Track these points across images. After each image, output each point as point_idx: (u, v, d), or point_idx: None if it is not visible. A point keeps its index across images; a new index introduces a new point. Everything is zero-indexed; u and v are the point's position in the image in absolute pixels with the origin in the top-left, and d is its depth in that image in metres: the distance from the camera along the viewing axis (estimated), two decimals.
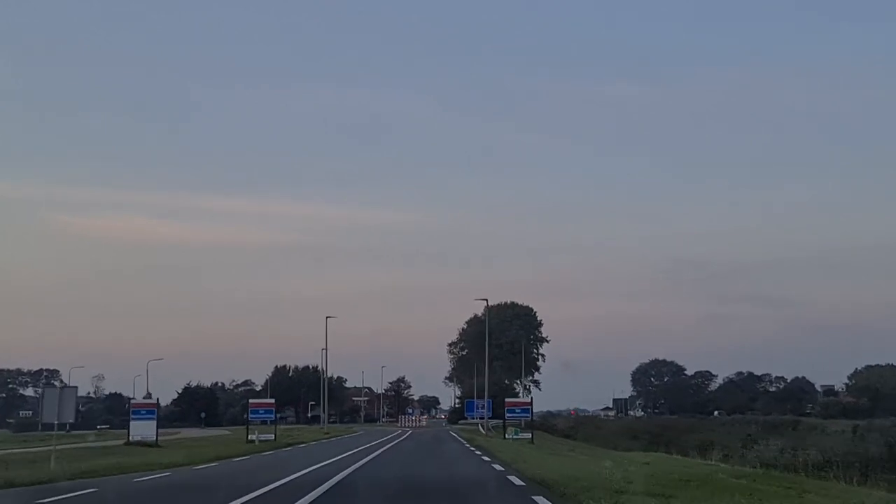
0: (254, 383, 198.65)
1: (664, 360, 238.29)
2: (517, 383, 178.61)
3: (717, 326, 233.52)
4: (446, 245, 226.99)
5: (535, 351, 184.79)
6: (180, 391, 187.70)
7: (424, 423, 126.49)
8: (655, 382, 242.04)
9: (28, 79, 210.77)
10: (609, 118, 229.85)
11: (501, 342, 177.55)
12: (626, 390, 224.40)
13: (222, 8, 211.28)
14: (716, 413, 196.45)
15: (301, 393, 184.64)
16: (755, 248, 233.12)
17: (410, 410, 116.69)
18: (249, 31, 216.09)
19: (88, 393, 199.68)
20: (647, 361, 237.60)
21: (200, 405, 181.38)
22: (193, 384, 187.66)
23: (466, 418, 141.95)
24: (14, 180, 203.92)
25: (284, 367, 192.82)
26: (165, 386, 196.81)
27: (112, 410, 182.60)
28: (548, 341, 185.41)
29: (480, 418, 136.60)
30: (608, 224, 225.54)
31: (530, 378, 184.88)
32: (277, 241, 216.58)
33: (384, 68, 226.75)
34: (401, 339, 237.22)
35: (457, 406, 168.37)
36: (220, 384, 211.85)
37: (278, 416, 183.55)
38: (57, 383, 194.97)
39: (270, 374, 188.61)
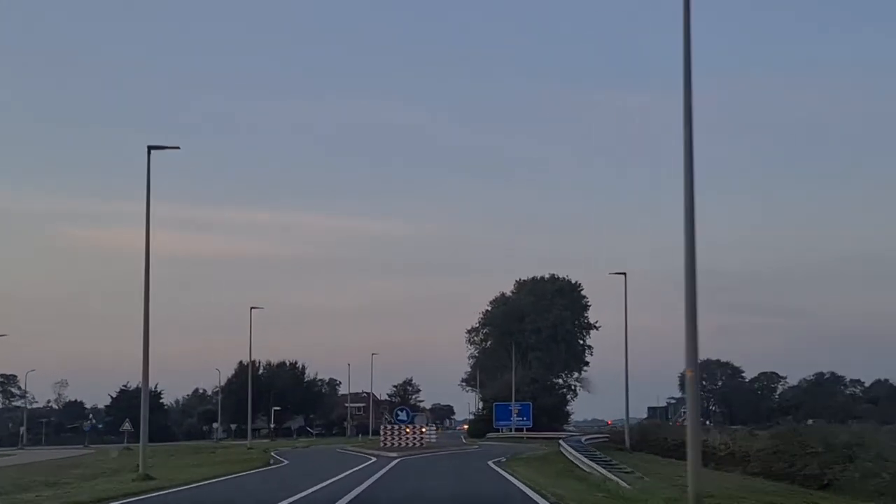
0: None
1: (718, 361, 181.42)
2: (560, 379, 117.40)
3: (735, 336, 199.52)
4: (451, 256, 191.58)
5: (580, 341, 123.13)
6: (114, 395, 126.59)
7: (434, 439, 64.62)
8: (708, 386, 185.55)
9: (35, 91, 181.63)
10: (618, 126, 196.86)
11: (539, 326, 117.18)
12: (661, 396, 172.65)
13: (233, 21, 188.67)
14: (809, 422, 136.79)
15: (272, 396, 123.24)
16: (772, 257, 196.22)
17: (403, 415, 53.75)
18: (257, 45, 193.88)
19: (49, 402, 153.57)
20: (699, 362, 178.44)
21: (140, 413, 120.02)
22: (132, 386, 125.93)
23: (499, 430, 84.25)
24: (20, 192, 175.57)
25: (253, 363, 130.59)
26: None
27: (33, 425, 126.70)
28: (597, 328, 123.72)
29: (519, 430, 79.28)
30: (616, 231, 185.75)
31: (575, 375, 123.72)
32: (284, 252, 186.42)
33: (391, 80, 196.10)
34: (408, 348, 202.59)
35: (481, 413, 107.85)
36: (201, 390, 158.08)
37: (243, 427, 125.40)
38: (15, 390, 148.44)
39: (233, 374, 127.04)
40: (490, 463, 35.88)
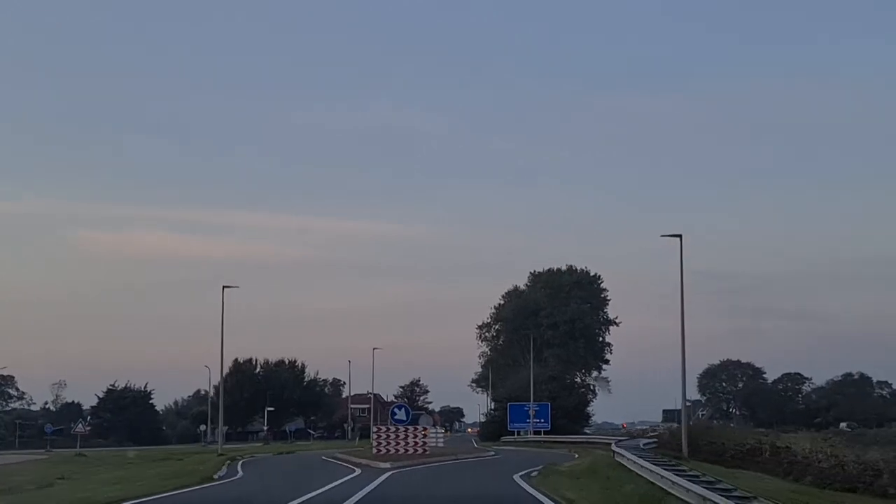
0: None
1: (738, 362, 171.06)
2: (579, 378, 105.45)
3: (751, 338, 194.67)
4: (460, 258, 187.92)
5: (600, 337, 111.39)
6: (101, 394, 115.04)
7: (441, 443, 52.78)
8: (728, 387, 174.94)
9: (46, 95, 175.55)
10: (626, 130, 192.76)
11: (556, 321, 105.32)
12: (677, 399, 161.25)
13: (242, 24, 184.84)
14: (842, 425, 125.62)
15: (269, 396, 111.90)
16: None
17: (402, 414, 42.01)
18: (267, 47, 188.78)
19: (46, 403, 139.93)
20: (717, 363, 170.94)
21: (129, 414, 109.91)
22: (121, 385, 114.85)
23: (516, 433, 78.96)
24: (20, 195, 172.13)
25: (250, 360, 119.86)
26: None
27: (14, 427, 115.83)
28: (617, 324, 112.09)
29: (537, 432, 68.27)
30: (629, 235, 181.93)
31: (595, 374, 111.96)
32: (294, 255, 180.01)
33: (401, 83, 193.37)
34: (416, 350, 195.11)
35: (494, 414, 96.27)
36: (203, 391, 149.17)
37: (240, 430, 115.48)
38: (12, 391, 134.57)
39: (227, 372, 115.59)
40: (518, 479, 24.43)
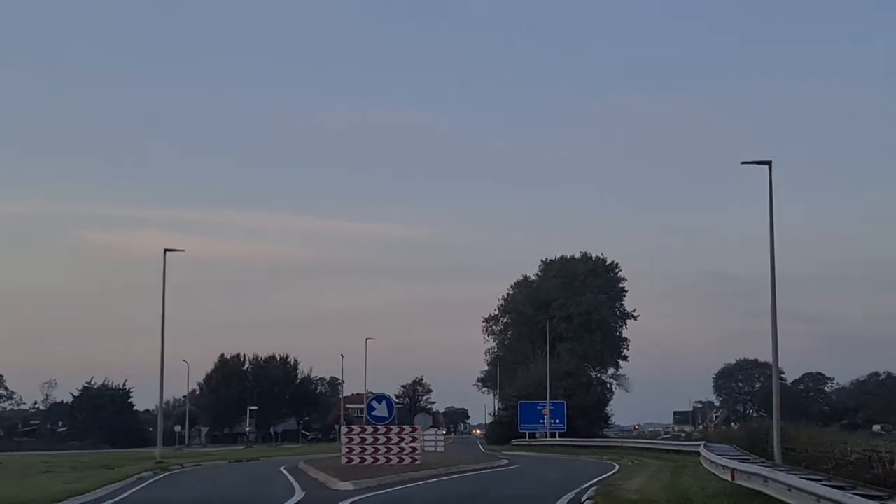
0: None
1: (755, 361, 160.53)
2: (594, 375, 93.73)
3: (759, 339, 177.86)
4: (464, 260, 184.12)
5: (617, 331, 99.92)
6: (77, 392, 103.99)
7: (441, 448, 41.75)
8: (745, 388, 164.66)
9: (47, 95, 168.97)
10: (626, 130, 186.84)
11: (570, 312, 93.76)
12: (689, 400, 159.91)
13: (243, 24, 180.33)
14: (875, 427, 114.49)
15: (257, 395, 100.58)
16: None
17: (382, 408, 30.86)
18: (267, 47, 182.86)
19: (36, 403, 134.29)
20: (734, 363, 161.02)
21: (105, 413, 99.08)
22: (97, 383, 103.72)
23: (533, 436, 68.02)
24: (33, 196, 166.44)
25: (237, 356, 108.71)
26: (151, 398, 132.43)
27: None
28: (635, 318, 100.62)
29: (552, 435, 58.21)
30: (630, 235, 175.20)
31: (612, 371, 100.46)
32: (294, 255, 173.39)
33: (402, 83, 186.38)
34: (418, 352, 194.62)
35: (502, 413, 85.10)
36: (198, 392, 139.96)
37: (226, 431, 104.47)
38: (1, 391, 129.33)
39: (212, 369, 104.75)
40: None
